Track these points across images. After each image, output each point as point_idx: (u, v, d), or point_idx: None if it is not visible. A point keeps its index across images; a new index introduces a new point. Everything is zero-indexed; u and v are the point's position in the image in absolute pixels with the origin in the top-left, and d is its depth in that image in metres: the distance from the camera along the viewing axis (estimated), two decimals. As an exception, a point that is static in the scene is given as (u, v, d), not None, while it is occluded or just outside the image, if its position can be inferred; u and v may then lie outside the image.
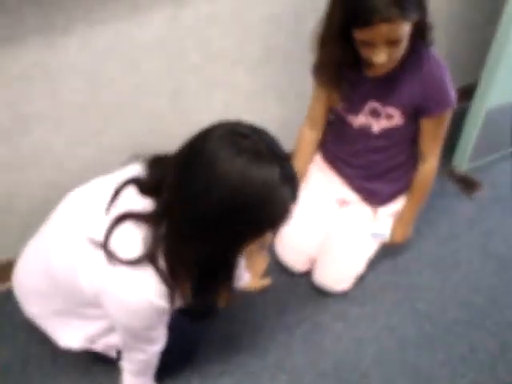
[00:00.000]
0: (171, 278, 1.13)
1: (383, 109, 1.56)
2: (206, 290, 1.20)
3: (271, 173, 1.02)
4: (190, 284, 1.16)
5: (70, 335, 1.37)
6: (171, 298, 1.15)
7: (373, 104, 1.57)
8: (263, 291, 1.75)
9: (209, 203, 1.01)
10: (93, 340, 1.39)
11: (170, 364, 1.53)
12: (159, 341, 1.35)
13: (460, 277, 1.88)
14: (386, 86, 1.53)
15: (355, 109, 1.60)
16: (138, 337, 1.28)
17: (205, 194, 1.01)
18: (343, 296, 1.80)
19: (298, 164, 1.79)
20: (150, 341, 1.32)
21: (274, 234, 1.21)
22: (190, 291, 1.16)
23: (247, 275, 1.72)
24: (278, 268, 1.86)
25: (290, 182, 1.07)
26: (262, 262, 1.80)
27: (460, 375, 1.63)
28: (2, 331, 1.70)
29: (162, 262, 1.12)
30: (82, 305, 1.27)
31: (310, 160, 1.83)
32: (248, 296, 1.74)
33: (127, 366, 1.41)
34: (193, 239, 1.07)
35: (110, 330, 1.34)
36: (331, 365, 1.65)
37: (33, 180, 1.66)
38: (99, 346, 1.42)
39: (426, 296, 1.82)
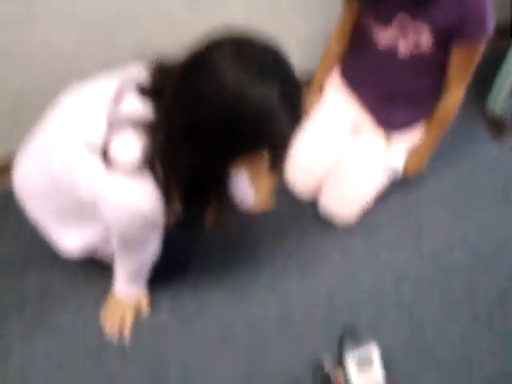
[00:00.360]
0: (166, 188, 1.10)
1: (413, 23, 1.44)
2: (195, 204, 1.17)
3: (270, 91, 0.96)
4: (179, 196, 1.13)
5: (71, 242, 1.38)
6: (167, 208, 1.13)
7: (403, 16, 1.44)
8: (266, 213, 1.74)
9: (204, 111, 0.97)
10: (92, 248, 1.40)
11: (163, 273, 1.54)
12: (152, 249, 1.35)
13: (472, 221, 1.80)
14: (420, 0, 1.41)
15: (384, 20, 1.48)
16: (130, 244, 1.28)
17: (201, 100, 0.97)
18: (347, 228, 1.75)
19: (319, 73, 1.74)
20: (142, 249, 1.32)
21: (277, 157, 1.17)
22: (179, 203, 1.13)
23: (251, 196, 1.68)
24: (284, 192, 1.80)
25: (291, 105, 1.01)
26: (268, 184, 1.77)
27: (454, 320, 1.60)
28: (7, 228, 1.71)
29: (159, 171, 1.09)
30: (83, 210, 1.26)
31: (330, 70, 1.75)
32: (249, 218, 1.73)
33: (119, 270, 1.43)
34: (186, 147, 1.03)
35: (109, 238, 1.34)
36: (324, 293, 1.63)
37: (43, 74, 1.61)
38: (98, 253, 1.44)
39: (433, 236, 1.76)
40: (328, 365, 1.39)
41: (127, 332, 1.53)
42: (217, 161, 1.07)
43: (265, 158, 1.11)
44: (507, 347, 1.56)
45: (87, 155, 1.12)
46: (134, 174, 1.08)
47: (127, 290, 1.51)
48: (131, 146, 1.09)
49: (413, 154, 1.70)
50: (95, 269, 1.59)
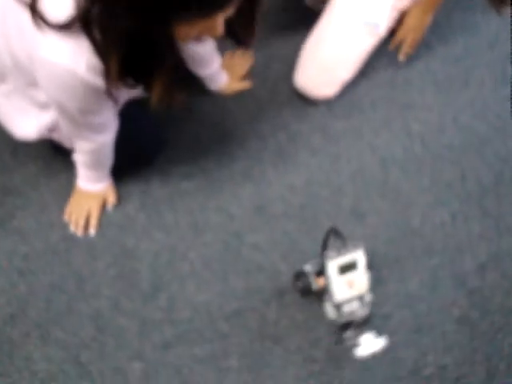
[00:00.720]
0: (103, 52, 0.96)
1: None
2: (137, 76, 1.02)
3: None
4: (118, 62, 0.97)
5: (25, 124, 1.27)
6: (104, 73, 0.99)
7: None
8: (240, 95, 1.60)
9: None
10: (48, 130, 1.29)
11: (129, 162, 1.44)
12: (105, 130, 1.24)
13: (466, 100, 1.63)
14: None
15: None
16: (76, 122, 1.16)
17: None
18: (328, 108, 1.59)
19: None
20: (92, 128, 1.20)
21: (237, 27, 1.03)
22: (117, 70, 0.98)
23: (225, 76, 1.56)
24: (260, 72, 1.64)
25: None
26: (242, 63, 1.65)
27: (443, 202, 1.48)
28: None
29: (96, 33, 0.94)
30: (29, 84, 1.14)
31: None
32: (223, 99, 1.59)
33: (79, 157, 1.34)
34: (120, 4, 0.87)
35: None
36: (302, 178, 1.50)
37: None
38: (55, 136, 1.33)
39: (423, 116, 1.60)
40: (309, 270, 1.28)
41: (94, 225, 1.44)
42: (153, 21, 0.90)
43: (216, 28, 0.95)
44: (500, 230, 1.44)
45: (19, 11, 0.99)
46: (68, 33, 0.95)
47: (91, 181, 1.41)
48: (63, 1, 0.94)
49: (414, 8, 1.51)
50: (57, 158, 1.49)
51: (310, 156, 1.53)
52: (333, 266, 1.11)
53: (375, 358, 1.24)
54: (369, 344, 1.14)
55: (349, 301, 1.15)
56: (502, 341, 1.30)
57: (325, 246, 1.17)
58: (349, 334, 1.17)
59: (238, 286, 1.37)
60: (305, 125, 1.57)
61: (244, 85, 1.61)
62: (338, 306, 1.16)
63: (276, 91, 1.62)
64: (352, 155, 1.53)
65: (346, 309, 1.16)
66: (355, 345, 1.15)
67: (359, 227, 1.43)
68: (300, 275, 1.28)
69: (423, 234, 1.43)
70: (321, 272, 1.22)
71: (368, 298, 1.17)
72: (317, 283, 1.24)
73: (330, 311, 1.21)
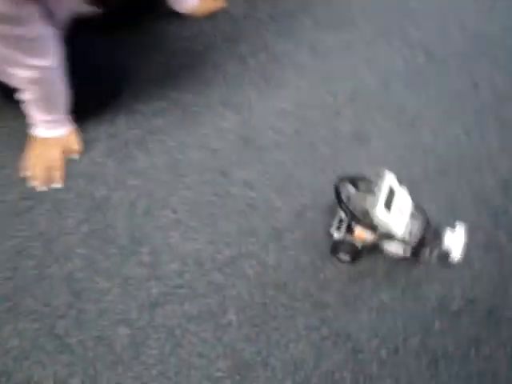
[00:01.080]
0: None
1: None
2: None
3: None
4: None
5: None
6: None
7: None
8: (213, 15, 1.45)
9: None
10: None
11: (89, 100, 1.29)
12: (44, 54, 1.10)
13: (471, 3, 1.47)
14: None
15: None
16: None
17: None
18: (314, 21, 1.44)
19: None
20: (24, 48, 1.06)
21: None
22: None
23: None
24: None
25: None
26: None
27: (455, 116, 1.34)
28: None
29: None
30: None
31: None
32: (194, 21, 1.43)
33: (26, 95, 1.19)
34: None
35: None
36: (292, 102, 1.34)
37: None
38: None
39: (424, 22, 1.44)
40: (340, 235, 1.12)
41: (58, 177, 1.29)
42: None
43: None
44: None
45: None
46: None
47: (48, 126, 1.26)
48: None
49: None
50: (8, 112, 1.33)
51: (298, 76, 1.37)
52: (380, 210, 0.99)
53: (394, 297, 1.12)
54: (454, 241, 1.07)
55: (406, 226, 1.06)
56: (534, 264, 1.16)
57: (340, 202, 1.03)
58: (425, 251, 1.08)
59: (230, 230, 1.21)
60: (289, 43, 1.41)
61: (217, 3, 1.47)
62: (402, 240, 1.08)
63: (254, 8, 1.47)
64: (346, 72, 1.38)
65: (407, 236, 1.07)
66: (446, 253, 1.07)
67: (363, 152, 1.28)
68: (336, 245, 1.14)
69: (436, 153, 1.28)
70: (350, 227, 1.10)
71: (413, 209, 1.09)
72: (360, 239, 1.10)
73: (397, 250, 1.11)
